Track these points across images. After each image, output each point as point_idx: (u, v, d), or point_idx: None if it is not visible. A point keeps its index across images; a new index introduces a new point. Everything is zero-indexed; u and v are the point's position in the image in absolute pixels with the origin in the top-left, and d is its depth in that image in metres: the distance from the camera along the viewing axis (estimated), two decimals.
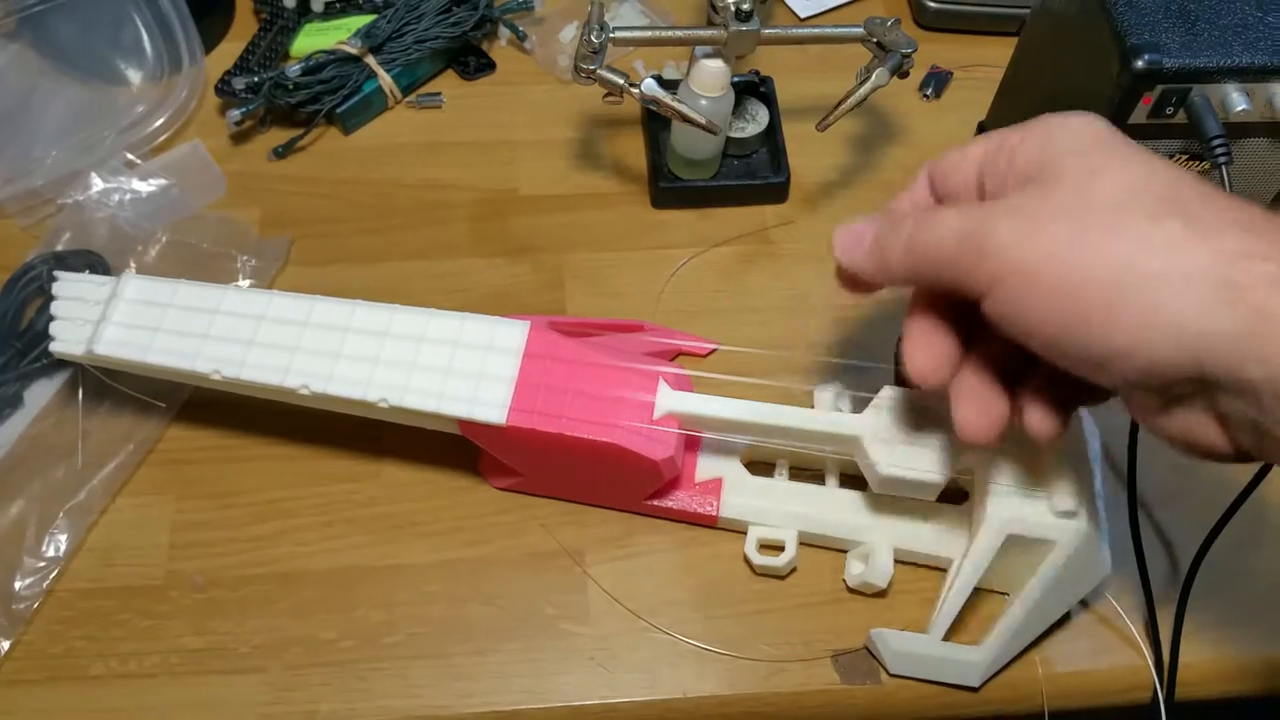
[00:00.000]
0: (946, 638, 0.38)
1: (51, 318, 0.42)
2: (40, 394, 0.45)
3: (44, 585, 0.41)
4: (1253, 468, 0.40)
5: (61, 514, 0.42)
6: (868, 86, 0.46)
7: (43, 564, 0.41)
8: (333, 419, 0.44)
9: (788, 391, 0.43)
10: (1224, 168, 0.41)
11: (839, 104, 0.47)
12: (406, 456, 0.45)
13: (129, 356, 0.41)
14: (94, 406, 0.45)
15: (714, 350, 0.48)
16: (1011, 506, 0.37)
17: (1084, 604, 0.42)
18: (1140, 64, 0.40)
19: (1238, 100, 0.41)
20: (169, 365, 0.40)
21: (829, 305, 0.50)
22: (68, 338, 0.42)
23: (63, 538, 0.42)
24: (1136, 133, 0.43)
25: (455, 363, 0.40)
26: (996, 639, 0.38)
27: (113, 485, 0.43)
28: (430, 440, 0.44)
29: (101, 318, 0.41)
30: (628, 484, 0.42)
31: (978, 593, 0.40)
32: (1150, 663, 0.41)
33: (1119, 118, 0.43)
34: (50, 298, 0.45)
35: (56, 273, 0.44)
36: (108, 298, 0.42)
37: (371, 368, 0.40)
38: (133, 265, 0.48)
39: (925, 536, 0.41)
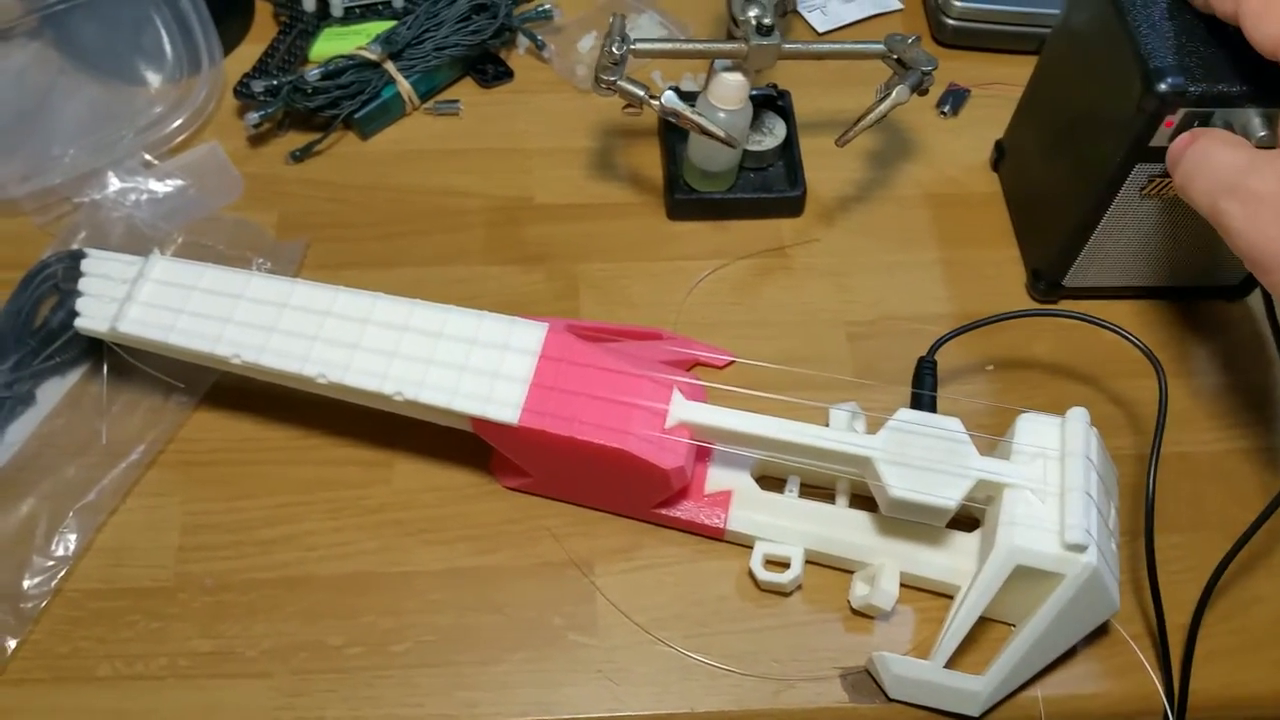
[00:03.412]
0: (950, 664, 0.38)
1: (79, 293, 0.43)
2: (53, 392, 0.45)
3: (52, 585, 0.41)
4: (1262, 497, 0.40)
5: (72, 513, 0.42)
6: (888, 103, 0.46)
7: (52, 563, 0.41)
8: (344, 422, 0.45)
9: (803, 408, 0.43)
10: None
11: (859, 120, 0.46)
12: (417, 463, 0.45)
13: (152, 336, 0.41)
14: (108, 404, 0.45)
15: (731, 362, 0.48)
16: (1021, 537, 0.37)
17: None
18: (1164, 87, 0.40)
19: (1259, 126, 0.41)
20: (190, 347, 0.41)
21: (844, 322, 0.50)
22: (93, 314, 0.42)
23: (72, 537, 0.42)
24: (1157, 155, 0.43)
25: (472, 360, 0.40)
26: (999, 670, 0.38)
27: (124, 485, 0.43)
28: (441, 447, 0.44)
29: (128, 296, 0.42)
30: (637, 491, 0.42)
31: (985, 621, 0.39)
32: (1160, 688, 0.40)
33: (1141, 140, 0.42)
34: (65, 295, 0.45)
35: (87, 250, 0.44)
36: (135, 277, 0.42)
37: (389, 361, 0.40)
38: None
39: (933, 562, 0.41)
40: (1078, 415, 0.40)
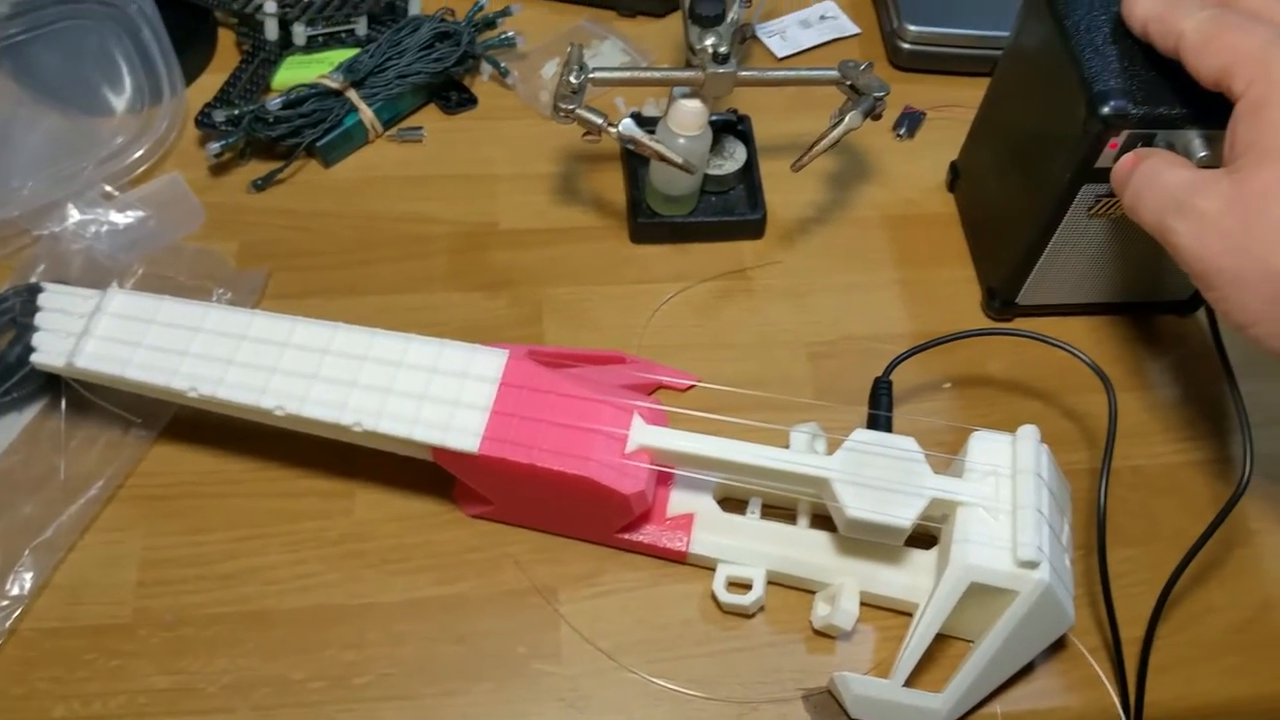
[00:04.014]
0: (910, 682, 0.38)
1: (36, 328, 0.43)
2: (9, 428, 0.45)
3: (6, 625, 0.40)
4: (1213, 508, 0.40)
5: (28, 551, 0.42)
6: (840, 129, 0.46)
7: (6, 603, 0.40)
8: (304, 453, 0.45)
9: (764, 430, 0.44)
10: None
11: (813, 146, 0.47)
12: (378, 493, 0.45)
13: (108, 371, 0.41)
14: (66, 439, 0.45)
15: (693, 386, 0.49)
16: (974, 555, 0.37)
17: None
18: (1107, 110, 0.41)
19: (1199, 147, 0.42)
20: (147, 381, 0.40)
21: (805, 343, 0.50)
22: (50, 349, 0.42)
23: (28, 576, 0.41)
24: (1103, 176, 0.44)
25: (431, 389, 0.40)
26: (957, 687, 0.38)
27: (82, 521, 0.43)
28: (403, 476, 0.44)
29: (84, 331, 0.42)
30: (599, 516, 0.42)
31: (945, 638, 0.40)
32: (1117, 701, 0.41)
33: (1087, 161, 0.43)
34: (22, 330, 0.45)
35: (44, 284, 0.44)
36: (92, 311, 0.42)
37: (347, 391, 0.40)
38: None
39: (892, 580, 0.41)
40: (1028, 433, 0.40)
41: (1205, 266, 0.37)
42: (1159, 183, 0.39)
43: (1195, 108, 0.41)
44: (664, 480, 0.44)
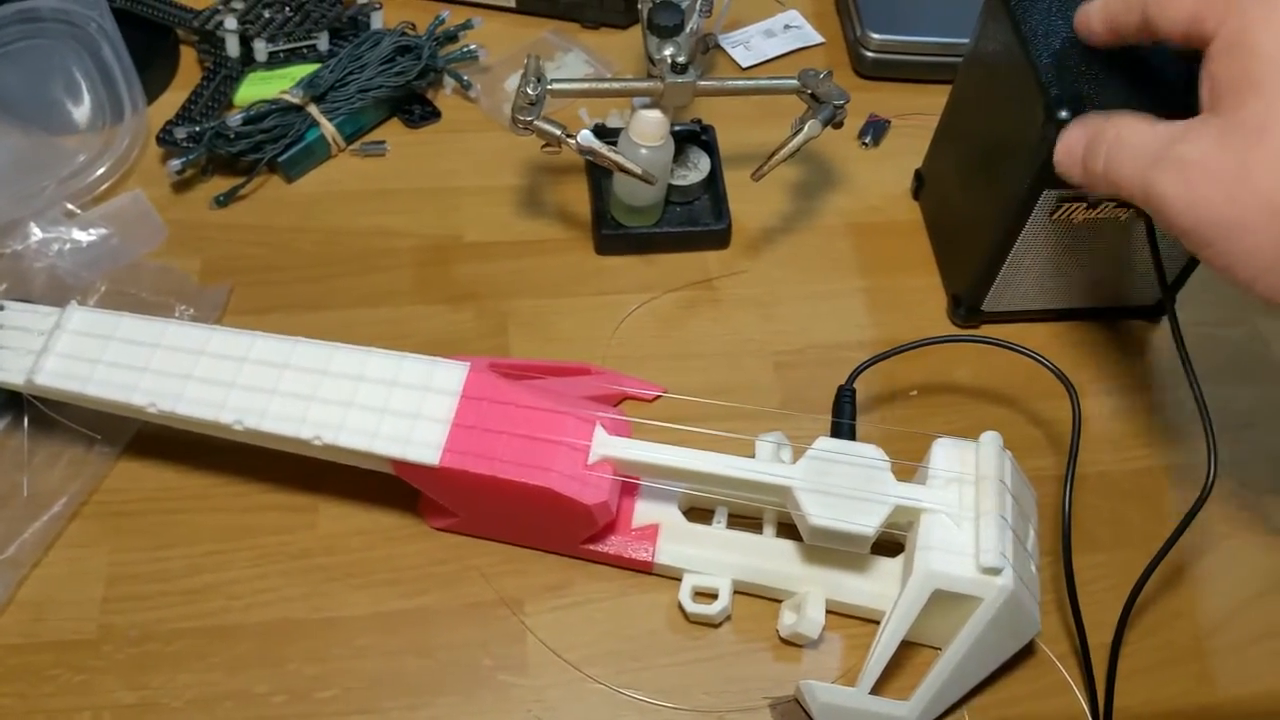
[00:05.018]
0: (877, 690, 0.38)
1: None
2: None
3: None
4: (1181, 513, 0.41)
5: None
6: (800, 138, 0.47)
7: None
8: (269, 467, 0.44)
9: (730, 439, 0.44)
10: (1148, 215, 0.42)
11: (772, 155, 0.47)
12: (343, 506, 0.44)
13: (68, 388, 0.41)
14: (29, 456, 0.44)
15: (659, 396, 0.49)
16: (937, 561, 0.38)
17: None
18: (1064, 114, 0.41)
19: None
20: (107, 397, 0.40)
21: (772, 352, 0.51)
22: (9, 368, 0.42)
23: None
24: (1064, 181, 0.44)
25: (392, 402, 0.40)
26: (923, 694, 0.38)
27: (46, 538, 0.43)
28: (367, 489, 0.44)
29: (44, 348, 0.42)
30: (562, 527, 0.42)
31: (913, 645, 0.40)
32: (1086, 707, 0.41)
33: (1047, 166, 0.43)
34: None
35: (4, 302, 0.44)
36: (51, 328, 0.42)
37: (307, 405, 0.40)
38: None
39: (859, 588, 0.41)
40: (990, 439, 0.40)
41: (1200, 217, 0.33)
42: (1134, 140, 0.36)
43: (1153, 110, 0.41)
44: (629, 491, 0.44)
